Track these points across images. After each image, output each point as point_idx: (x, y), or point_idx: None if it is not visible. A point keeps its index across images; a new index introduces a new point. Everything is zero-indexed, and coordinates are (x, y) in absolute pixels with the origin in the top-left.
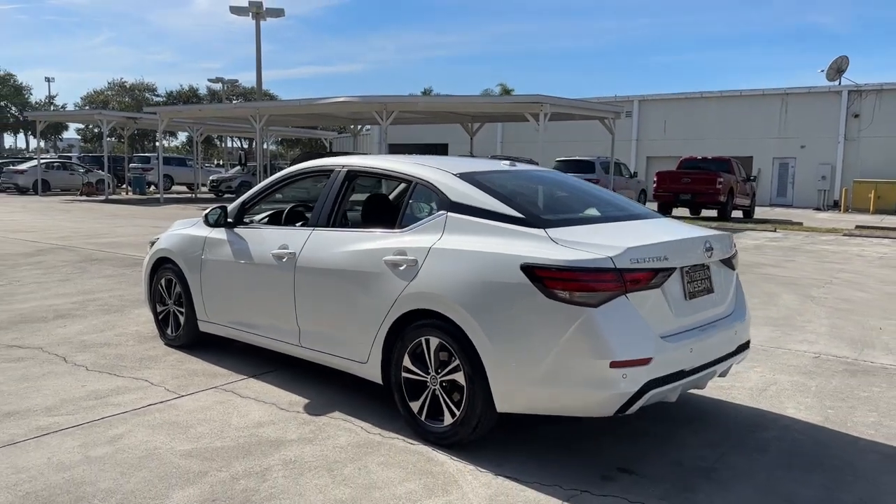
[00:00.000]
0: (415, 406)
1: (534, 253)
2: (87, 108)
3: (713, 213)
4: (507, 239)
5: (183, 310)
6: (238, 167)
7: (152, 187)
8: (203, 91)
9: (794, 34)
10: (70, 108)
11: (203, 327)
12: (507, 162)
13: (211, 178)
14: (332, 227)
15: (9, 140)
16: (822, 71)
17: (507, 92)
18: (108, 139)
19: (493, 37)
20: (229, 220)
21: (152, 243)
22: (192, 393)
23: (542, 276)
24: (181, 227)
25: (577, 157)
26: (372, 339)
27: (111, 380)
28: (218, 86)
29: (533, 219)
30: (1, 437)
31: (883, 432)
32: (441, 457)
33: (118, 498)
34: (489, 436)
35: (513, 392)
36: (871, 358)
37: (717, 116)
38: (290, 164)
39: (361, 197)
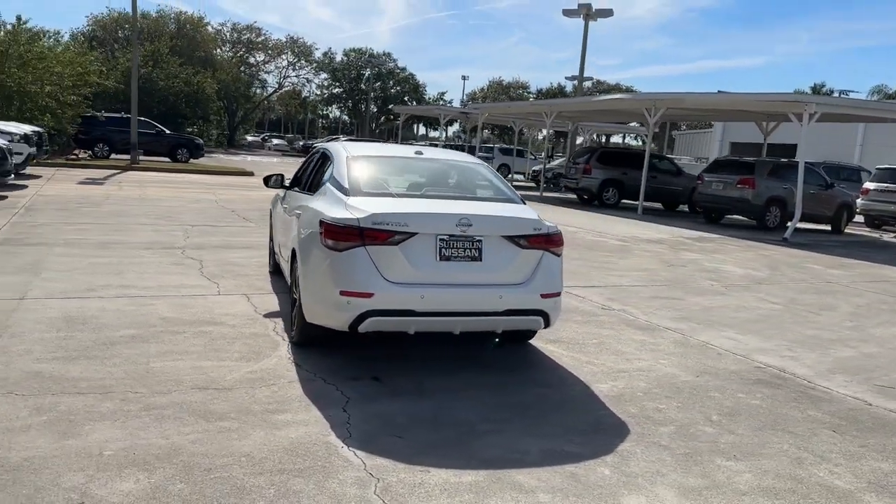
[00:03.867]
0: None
1: (328, 213)
2: (469, 104)
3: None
4: (331, 203)
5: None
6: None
7: None
8: (569, 88)
9: None
10: (456, 104)
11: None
12: (415, 151)
13: (533, 168)
14: (303, 190)
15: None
16: None
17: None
18: (483, 132)
19: None
20: (285, 184)
21: None
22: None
23: (322, 228)
24: None
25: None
26: (290, 254)
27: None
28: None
29: (351, 191)
30: None
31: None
32: (281, 342)
33: None
34: (335, 346)
35: (310, 307)
36: None
37: None
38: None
39: None
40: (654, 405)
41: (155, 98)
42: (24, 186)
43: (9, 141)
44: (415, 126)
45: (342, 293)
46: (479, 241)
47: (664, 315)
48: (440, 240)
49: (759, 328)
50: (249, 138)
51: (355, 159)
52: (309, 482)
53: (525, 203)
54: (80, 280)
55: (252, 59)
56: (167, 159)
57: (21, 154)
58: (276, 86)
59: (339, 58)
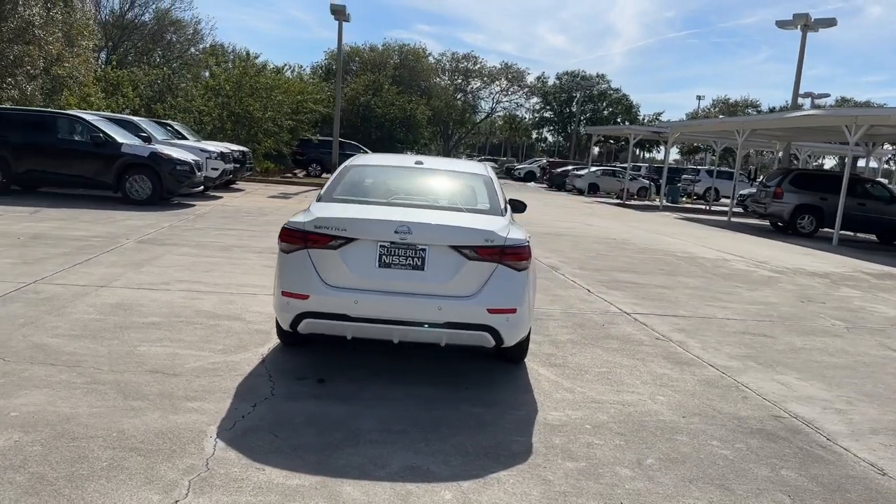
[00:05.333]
0: None
1: (292, 217)
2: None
3: None
4: (304, 209)
5: None
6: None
7: (686, 197)
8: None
9: None
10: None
11: None
12: (416, 161)
13: (741, 192)
14: None
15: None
16: None
17: None
18: (701, 154)
19: None
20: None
21: None
22: None
23: (280, 231)
24: None
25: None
26: None
27: None
28: (827, 100)
29: (323, 197)
30: None
31: None
32: (274, 340)
33: None
34: (325, 347)
35: (274, 306)
36: None
37: None
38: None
39: None
40: (590, 440)
41: (373, 123)
42: (218, 197)
43: (206, 158)
44: (639, 149)
45: (283, 293)
46: (424, 249)
47: (727, 352)
48: (381, 246)
49: (837, 375)
50: None
51: (350, 168)
52: (144, 462)
53: (506, 216)
54: (168, 275)
55: (467, 86)
56: None
57: (216, 170)
58: (490, 111)
59: (551, 81)
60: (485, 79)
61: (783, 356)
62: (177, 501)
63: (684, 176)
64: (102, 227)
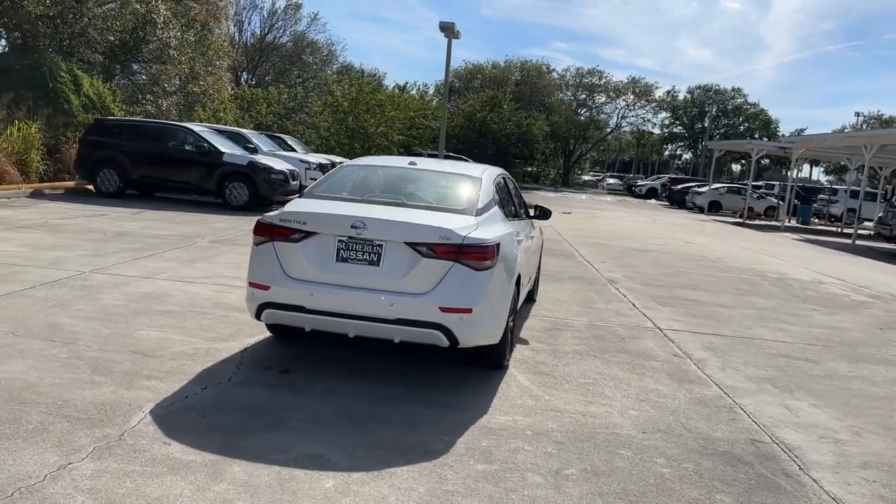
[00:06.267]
0: None
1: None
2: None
3: None
4: None
5: None
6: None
7: (819, 219)
8: None
9: None
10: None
11: None
12: (409, 161)
13: (879, 215)
14: None
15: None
16: None
17: None
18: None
19: None
20: None
21: None
22: None
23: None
24: None
25: None
26: None
27: None
28: None
29: (305, 195)
30: None
31: None
32: (265, 331)
33: None
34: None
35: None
36: None
37: None
38: None
39: None
40: (519, 445)
41: (489, 139)
42: None
43: (305, 168)
44: (780, 166)
45: (249, 284)
46: (381, 245)
47: (747, 373)
48: (339, 241)
49: (863, 405)
50: (585, 178)
51: (344, 167)
52: (68, 428)
53: (480, 216)
54: (213, 271)
55: (591, 101)
56: None
57: (314, 180)
58: (614, 126)
59: (681, 96)
60: (610, 93)
61: (813, 381)
62: (70, 463)
63: (820, 196)
64: (188, 227)
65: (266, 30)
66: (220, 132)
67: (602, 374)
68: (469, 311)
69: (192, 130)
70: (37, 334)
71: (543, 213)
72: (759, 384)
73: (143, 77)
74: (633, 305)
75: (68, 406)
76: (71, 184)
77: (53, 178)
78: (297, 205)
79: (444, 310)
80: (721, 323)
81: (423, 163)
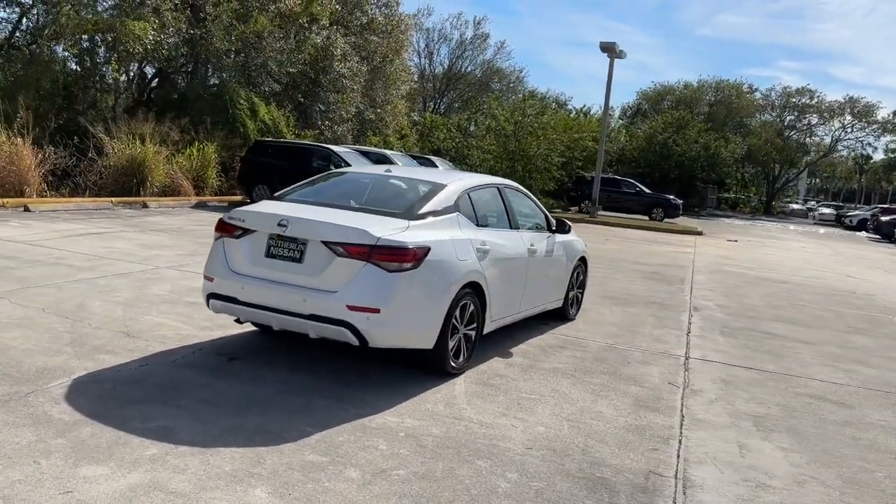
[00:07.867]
0: None
1: None
2: None
3: None
4: None
5: None
6: None
7: None
8: None
9: None
10: None
11: None
12: (385, 169)
13: None
14: None
15: None
16: None
17: None
18: None
19: None
20: None
21: None
22: None
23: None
24: None
25: None
26: None
27: None
28: None
29: (273, 196)
30: None
31: None
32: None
33: None
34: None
35: None
36: None
37: None
38: None
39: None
40: (376, 444)
41: (671, 162)
42: None
43: None
44: None
45: (204, 276)
46: (304, 243)
47: (740, 409)
48: (270, 238)
49: (852, 454)
50: (794, 206)
51: (328, 175)
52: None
53: (416, 221)
54: None
55: (799, 123)
56: (645, 217)
57: None
58: (826, 150)
59: None
60: (823, 114)
61: (816, 425)
62: None
63: None
64: None
65: (454, 59)
66: (364, 153)
67: (556, 392)
68: (377, 311)
69: (333, 151)
70: (59, 312)
71: (561, 226)
72: (737, 420)
73: (320, 105)
74: (687, 333)
75: (17, 367)
76: (238, 198)
77: (226, 193)
78: (254, 206)
79: (351, 308)
80: (776, 358)
81: (399, 171)
